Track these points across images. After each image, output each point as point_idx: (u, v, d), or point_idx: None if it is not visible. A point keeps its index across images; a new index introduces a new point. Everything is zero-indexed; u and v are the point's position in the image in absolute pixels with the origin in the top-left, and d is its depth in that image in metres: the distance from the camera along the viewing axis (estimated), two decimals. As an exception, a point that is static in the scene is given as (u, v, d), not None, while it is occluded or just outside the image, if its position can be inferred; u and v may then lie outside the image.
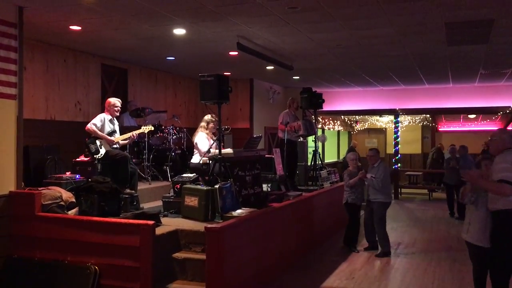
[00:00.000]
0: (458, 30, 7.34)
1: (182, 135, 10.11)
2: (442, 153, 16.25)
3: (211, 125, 7.16)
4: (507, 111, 14.30)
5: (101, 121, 6.93)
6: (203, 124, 7.22)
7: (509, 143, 4.50)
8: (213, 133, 7.16)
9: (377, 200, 7.17)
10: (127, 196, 6.40)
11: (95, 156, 6.83)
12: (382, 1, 5.90)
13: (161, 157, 9.36)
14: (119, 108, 7.17)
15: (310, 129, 8.61)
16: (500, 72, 11.55)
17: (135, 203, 6.57)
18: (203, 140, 7.05)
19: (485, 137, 17.28)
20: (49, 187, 6.11)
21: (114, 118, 7.12)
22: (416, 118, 18.60)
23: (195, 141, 7.13)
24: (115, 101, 7.09)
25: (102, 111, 7.32)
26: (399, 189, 14.82)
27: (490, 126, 18.65)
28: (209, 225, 4.87)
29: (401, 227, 9.68)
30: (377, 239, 7.43)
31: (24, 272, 5.25)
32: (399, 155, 15.78)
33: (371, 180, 7.15)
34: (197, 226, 5.42)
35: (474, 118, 18.50)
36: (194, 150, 7.23)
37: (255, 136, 7.59)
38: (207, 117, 7.22)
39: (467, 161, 10.70)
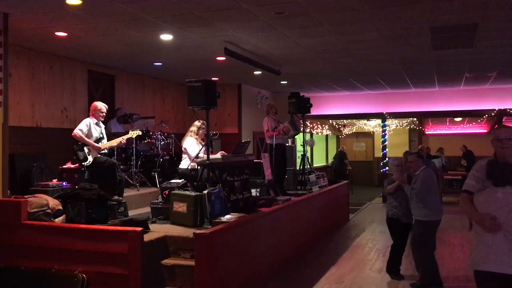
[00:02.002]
0: (443, 35, 7.43)
1: (170, 141, 10.08)
2: (429, 155, 16.31)
3: (200, 131, 7.14)
4: (492, 114, 14.48)
5: (87, 125, 6.88)
6: (193, 129, 7.20)
7: None
8: (202, 139, 7.16)
9: (415, 217, 5.84)
10: (114, 203, 6.35)
11: (83, 163, 6.78)
12: (368, 6, 5.95)
13: (149, 163, 9.32)
14: (104, 114, 7.14)
15: (297, 127, 8.59)
16: (485, 75, 11.71)
17: (123, 210, 6.52)
18: (192, 145, 7.03)
19: (471, 140, 17.51)
20: (36, 195, 6.03)
21: (100, 122, 7.08)
22: (403, 121, 18.74)
23: (184, 146, 7.11)
24: (102, 107, 7.05)
25: (90, 118, 7.27)
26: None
27: (476, 129, 18.85)
28: (198, 231, 4.85)
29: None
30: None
31: (10, 282, 5.16)
32: (386, 159, 15.88)
33: (408, 191, 5.84)
34: (186, 232, 5.39)
35: (460, 121, 18.69)
36: (183, 155, 7.21)
37: (243, 141, 7.59)
38: (197, 122, 7.21)
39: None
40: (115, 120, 9.69)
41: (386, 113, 15.54)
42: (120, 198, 6.74)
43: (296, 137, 9.66)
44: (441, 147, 16.21)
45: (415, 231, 5.82)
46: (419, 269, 5.89)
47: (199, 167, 6.38)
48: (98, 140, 6.97)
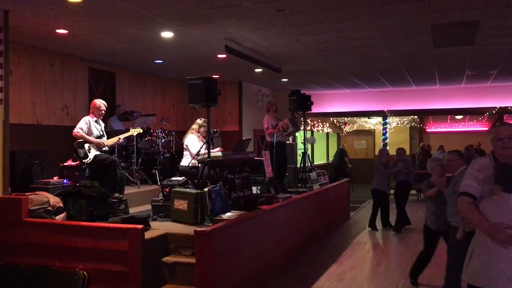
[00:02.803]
0: (444, 32, 7.41)
1: (171, 139, 10.08)
2: (428, 153, 16.35)
3: (202, 129, 7.14)
4: (494, 112, 14.47)
5: (87, 124, 6.88)
6: (195, 127, 7.21)
7: None
8: (204, 137, 7.16)
9: (452, 223, 4.94)
10: (115, 200, 6.36)
11: (83, 160, 6.78)
12: (369, 3, 5.94)
13: (150, 160, 9.32)
14: (104, 112, 7.14)
15: (297, 125, 8.56)
16: (486, 73, 11.69)
17: (123, 208, 6.52)
18: (194, 142, 7.04)
19: (472, 138, 17.52)
20: (36, 192, 6.03)
21: (100, 120, 7.08)
22: (404, 119, 18.75)
23: (185, 143, 7.12)
24: (101, 104, 7.05)
25: (90, 115, 7.27)
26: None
27: (477, 126, 18.85)
28: (198, 229, 4.85)
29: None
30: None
31: (11, 279, 5.17)
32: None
33: (448, 195, 5.09)
34: (187, 229, 5.40)
35: (461, 119, 18.69)
36: (184, 152, 7.21)
37: (244, 139, 7.58)
38: (199, 120, 7.21)
39: (409, 166, 9.54)
40: (115, 117, 9.69)
41: (387, 110, 15.52)
42: (121, 195, 6.75)
43: (296, 134, 9.65)
44: (441, 145, 16.23)
45: (452, 237, 4.88)
46: (448, 275, 4.94)
47: (199, 165, 6.38)
48: (98, 138, 6.97)
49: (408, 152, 19.54)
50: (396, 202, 9.50)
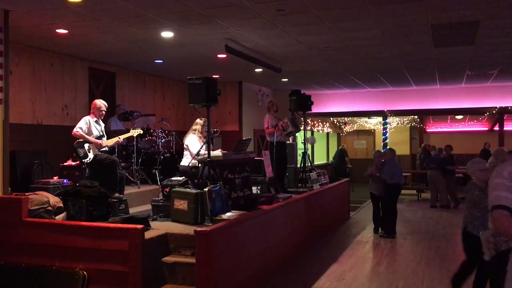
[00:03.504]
0: (444, 32, 7.41)
1: (171, 138, 10.09)
2: (429, 153, 16.37)
3: (203, 129, 7.14)
4: (494, 112, 14.47)
5: (87, 123, 6.88)
6: (196, 127, 7.20)
7: None
8: (205, 137, 7.15)
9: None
10: (115, 200, 6.36)
11: (83, 160, 6.78)
12: (369, 3, 5.94)
13: (150, 160, 9.32)
14: (104, 112, 7.15)
15: (297, 125, 8.52)
16: (487, 73, 11.68)
17: (123, 207, 6.52)
18: (195, 142, 7.03)
19: (472, 138, 17.52)
20: (36, 192, 6.04)
21: (100, 120, 7.09)
22: (404, 119, 18.73)
23: (186, 143, 7.11)
24: (101, 105, 7.05)
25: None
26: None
27: (477, 126, 18.83)
28: (198, 229, 4.84)
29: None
30: None
31: (11, 279, 5.17)
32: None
33: None
34: (187, 229, 5.40)
35: (461, 118, 18.67)
36: (184, 152, 7.21)
37: (244, 139, 7.58)
38: (200, 120, 7.20)
39: (396, 167, 8.95)
40: (115, 117, 9.69)
41: (387, 110, 15.52)
42: (121, 195, 6.75)
43: (297, 134, 9.64)
44: (433, 145, 16.34)
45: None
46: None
47: (200, 165, 6.38)
48: (98, 138, 6.98)
49: (408, 152, 19.62)
50: (382, 203, 9.04)
